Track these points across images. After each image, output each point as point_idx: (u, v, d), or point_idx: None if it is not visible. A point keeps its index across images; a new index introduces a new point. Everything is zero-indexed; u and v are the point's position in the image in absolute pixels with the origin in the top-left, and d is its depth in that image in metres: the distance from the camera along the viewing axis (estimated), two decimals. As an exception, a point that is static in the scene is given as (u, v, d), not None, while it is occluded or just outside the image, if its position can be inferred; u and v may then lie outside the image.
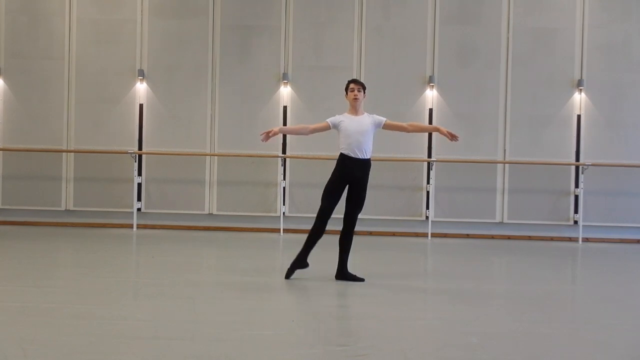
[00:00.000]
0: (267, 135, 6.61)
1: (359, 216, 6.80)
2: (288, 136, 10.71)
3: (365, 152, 6.61)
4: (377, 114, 6.81)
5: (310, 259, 6.81)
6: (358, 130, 6.58)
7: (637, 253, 9.78)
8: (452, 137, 6.80)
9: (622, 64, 10.66)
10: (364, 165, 6.60)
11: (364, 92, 6.74)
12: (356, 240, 6.83)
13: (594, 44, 10.66)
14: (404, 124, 6.96)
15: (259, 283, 6.53)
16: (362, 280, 6.59)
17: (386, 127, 6.76)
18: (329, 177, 6.68)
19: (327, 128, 6.73)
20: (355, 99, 6.67)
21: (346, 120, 6.66)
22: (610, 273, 8.07)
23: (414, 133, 9.91)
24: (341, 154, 6.65)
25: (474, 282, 6.95)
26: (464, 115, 10.69)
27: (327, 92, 10.59)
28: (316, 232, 6.67)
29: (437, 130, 6.96)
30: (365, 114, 6.74)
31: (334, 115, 6.77)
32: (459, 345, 4.50)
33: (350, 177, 6.62)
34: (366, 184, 6.65)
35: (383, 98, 10.35)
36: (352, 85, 6.72)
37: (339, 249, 6.71)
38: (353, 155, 6.59)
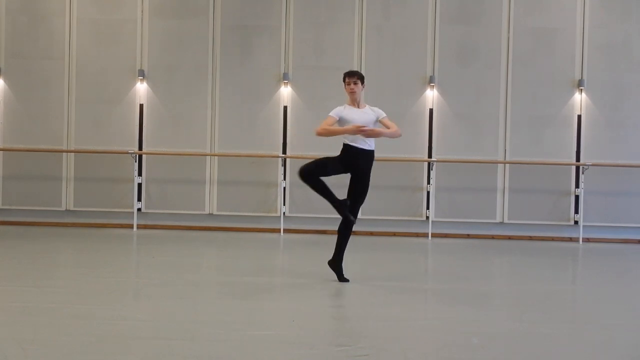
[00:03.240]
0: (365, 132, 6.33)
1: (359, 216, 6.77)
2: (288, 136, 10.71)
3: (369, 142, 6.45)
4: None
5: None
6: (361, 121, 6.41)
7: (638, 253, 9.78)
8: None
9: (623, 64, 10.65)
10: (367, 155, 6.47)
11: (362, 83, 6.57)
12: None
13: (594, 44, 10.65)
14: (386, 130, 6.55)
15: (259, 283, 6.53)
16: (346, 280, 6.53)
17: (380, 122, 6.58)
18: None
19: (334, 122, 6.52)
20: (352, 92, 6.55)
21: (347, 112, 6.51)
22: (611, 273, 8.06)
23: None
24: (344, 145, 6.49)
25: (474, 282, 6.95)
26: (464, 115, 10.68)
27: (327, 92, 10.57)
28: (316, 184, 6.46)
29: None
30: (367, 106, 6.61)
31: (335, 108, 6.59)
32: (459, 346, 4.50)
33: (353, 165, 6.47)
34: (369, 176, 6.51)
35: (383, 98, 10.32)
36: (347, 79, 6.58)
37: (338, 236, 6.57)
38: (358, 145, 6.44)
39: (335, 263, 6.61)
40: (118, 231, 10.41)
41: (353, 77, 6.58)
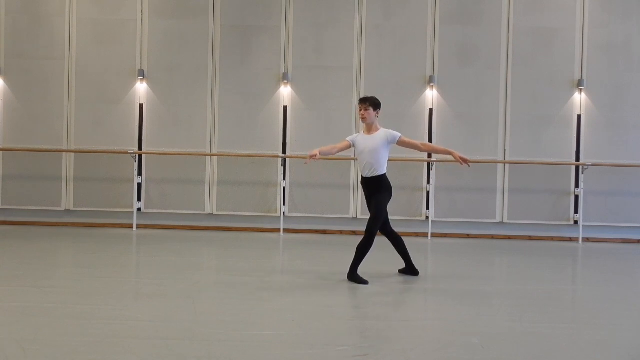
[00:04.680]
0: (312, 157, 6.53)
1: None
2: (288, 136, 10.71)
3: (374, 171, 6.70)
4: (392, 129, 6.93)
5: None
6: (367, 150, 6.71)
7: (638, 253, 9.77)
8: (464, 162, 6.81)
9: (623, 64, 10.66)
10: (373, 182, 6.72)
11: (375, 108, 6.77)
12: (356, 239, 6.80)
13: (594, 44, 10.65)
14: (418, 143, 6.98)
15: (259, 283, 6.52)
16: (365, 282, 6.58)
17: (400, 143, 6.82)
18: None
19: (347, 147, 6.86)
20: (362, 118, 6.81)
21: (359, 139, 6.82)
22: (611, 273, 8.06)
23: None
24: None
25: (474, 282, 6.95)
26: (464, 115, 10.69)
27: (327, 92, 10.60)
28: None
29: (450, 153, 6.91)
30: (381, 129, 6.80)
31: (354, 134, 7.01)
32: (459, 345, 4.50)
33: (367, 194, 6.83)
34: (380, 196, 6.69)
35: (383, 98, 10.17)
36: (359, 105, 6.84)
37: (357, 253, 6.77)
38: (364, 175, 6.79)
39: (351, 275, 6.70)
40: (118, 231, 10.41)
41: (365, 103, 6.81)
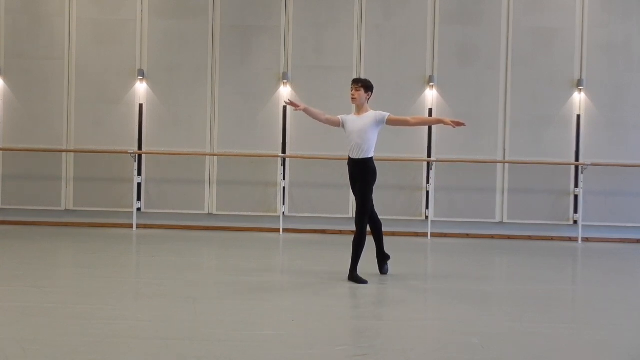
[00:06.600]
0: (293, 104, 6.69)
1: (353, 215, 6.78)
2: (288, 136, 10.72)
3: (362, 152, 6.66)
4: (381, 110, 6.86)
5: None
6: (356, 130, 6.68)
7: (638, 253, 9.78)
8: (458, 125, 6.67)
9: (622, 63, 10.66)
10: (359, 164, 6.68)
11: (366, 90, 6.72)
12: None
13: (594, 43, 10.66)
14: (408, 118, 6.99)
15: (258, 283, 6.53)
16: (365, 282, 6.58)
17: (390, 122, 6.73)
18: None
19: (337, 123, 6.81)
20: (352, 98, 6.77)
21: (349, 120, 6.78)
22: (610, 273, 8.07)
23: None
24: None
25: (474, 282, 6.95)
26: (464, 115, 10.63)
27: (327, 92, 10.60)
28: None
29: (441, 121, 6.83)
30: (370, 111, 6.76)
31: (346, 114, 6.90)
32: (459, 345, 4.50)
33: (351, 176, 6.79)
34: (365, 183, 6.65)
35: (383, 98, 10.32)
36: (351, 86, 6.80)
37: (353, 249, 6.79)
38: (351, 156, 6.74)
39: (350, 275, 6.70)
40: (118, 231, 10.41)
41: (357, 83, 6.79)
